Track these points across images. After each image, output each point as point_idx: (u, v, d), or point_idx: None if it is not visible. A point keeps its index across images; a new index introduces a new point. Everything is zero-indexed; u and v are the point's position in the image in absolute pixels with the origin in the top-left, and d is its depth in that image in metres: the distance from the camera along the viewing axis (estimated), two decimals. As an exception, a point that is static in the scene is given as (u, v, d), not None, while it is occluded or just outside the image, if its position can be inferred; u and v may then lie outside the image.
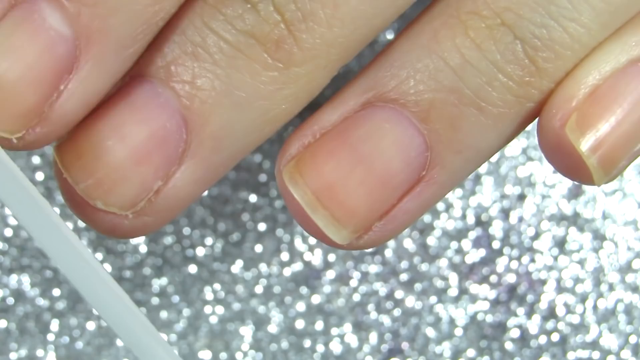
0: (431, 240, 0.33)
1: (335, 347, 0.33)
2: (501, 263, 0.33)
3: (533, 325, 0.33)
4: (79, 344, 0.32)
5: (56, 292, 0.32)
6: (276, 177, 0.20)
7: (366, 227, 0.20)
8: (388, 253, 0.33)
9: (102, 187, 0.18)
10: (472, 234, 0.33)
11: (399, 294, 0.33)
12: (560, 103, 0.19)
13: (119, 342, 0.32)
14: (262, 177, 0.33)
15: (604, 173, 0.19)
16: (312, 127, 0.20)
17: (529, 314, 0.33)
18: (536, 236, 0.33)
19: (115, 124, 0.18)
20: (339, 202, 0.19)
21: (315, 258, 0.33)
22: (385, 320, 0.33)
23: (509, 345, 0.33)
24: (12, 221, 0.32)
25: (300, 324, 0.33)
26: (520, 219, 0.33)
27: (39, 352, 0.32)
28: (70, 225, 0.32)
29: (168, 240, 0.33)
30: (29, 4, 0.17)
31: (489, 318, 0.33)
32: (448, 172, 0.20)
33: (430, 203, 0.20)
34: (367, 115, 0.19)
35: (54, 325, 0.32)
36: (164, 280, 0.33)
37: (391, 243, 0.33)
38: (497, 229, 0.33)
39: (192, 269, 0.33)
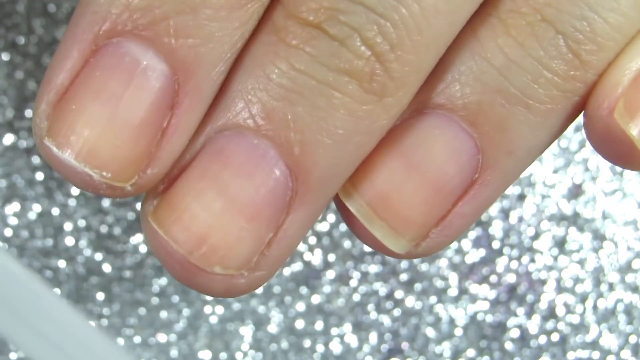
0: (431, 240, 0.33)
1: (335, 347, 0.33)
2: (501, 263, 0.33)
3: (533, 325, 0.33)
4: (79, 344, 0.32)
5: (56, 292, 0.32)
6: None
7: (424, 235, 0.20)
8: (385, 255, 0.33)
9: (219, 252, 0.18)
10: (472, 234, 0.33)
11: (398, 294, 0.33)
12: (606, 91, 0.19)
13: (119, 342, 0.32)
14: (262, 177, 0.33)
15: None
16: None
17: (528, 314, 0.33)
18: (536, 236, 0.33)
19: (218, 186, 0.18)
20: (395, 212, 0.19)
21: (315, 258, 0.33)
22: (385, 320, 0.33)
23: (509, 345, 0.33)
24: (12, 221, 0.32)
25: (300, 324, 0.33)
26: (520, 219, 0.33)
27: (39, 352, 0.32)
28: (69, 225, 0.32)
29: (168, 240, 0.33)
30: (115, 47, 0.17)
31: (489, 318, 0.33)
32: (501, 173, 0.19)
33: (485, 205, 0.20)
34: (416, 122, 0.19)
35: (54, 325, 0.32)
36: (164, 280, 0.33)
37: (391, 243, 0.33)
38: (497, 229, 0.33)
39: (192, 269, 0.33)
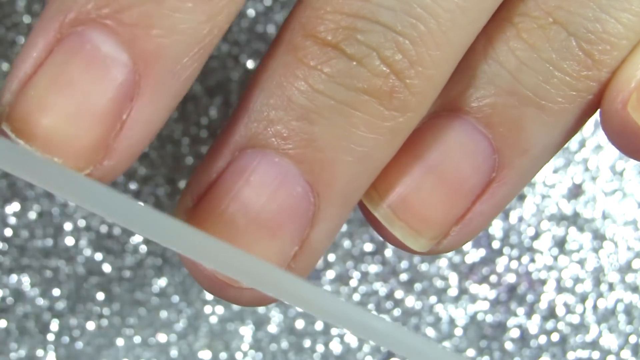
0: (431, 240, 0.33)
1: (335, 347, 0.33)
2: (501, 263, 0.33)
3: (533, 325, 0.33)
4: (79, 344, 0.32)
5: (56, 292, 0.32)
6: None
7: (444, 233, 0.20)
8: (388, 253, 0.33)
9: None
10: (472, 234, 0.33)
11: (399, 294, 0.33)
12: (619, 86, 0.19)
13: (119, 342, 0.32)
14: (262, 177, 0.33)
15: None
16: None
17: (528, 314, 0.33)
18: (536, 236, 0.33)
19: (240, 204, 0.18)
20: (414, 213, 0.20)
21: (315, 258, 0.33)
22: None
23: (509, 345, 0.33)
24: (12, 221, 0.32)
25: (300, 324, 0.33)
26: (520, 219, 0.33)
27: (39, 352, 0.32)
28: (69, 225, 0.32)
29: (168, 240, 0.33)
30: (77, 36, 0.17)
31: (489, 318, 0.33)
32: (517, 172, 0.20)
33: (504, 203, 0.20)
34: (433, 125, 0.20)
35: (54, 325, 0.32)
36: (164, 280, 0.33)
37: (391, 243, 0.33)
38: (497, 228, 0.33)
39: (192, 269, 0.33)
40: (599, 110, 0.19)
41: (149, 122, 0.17)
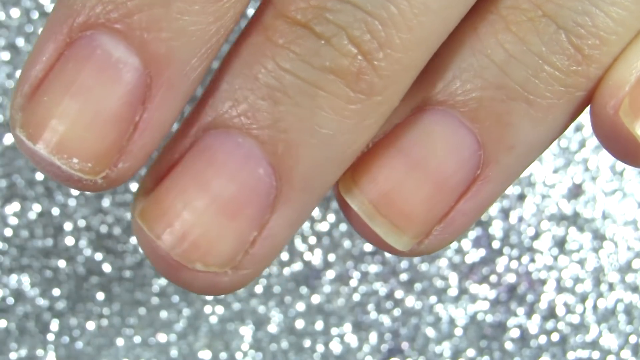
0: (431, 240, 0.33)
1: (335, 347, 0.33)
2: (501, 263, 0.33)
3: (533, 325, 0.33)
4: (79, 344, 0.32)
5: (56, 292, 0.32)
6: (333, 190, 0.20)
7: (426, 232, 0.20)
8: (388, 253, 0.33)
9: (200, 249, 0.18)
10: (472, 234, 0.33)
11: (398, 293, 0.33)
12: (612, 89, 0.19)
13: (119, 342, 0.32)
14: (262, 177, 0.33)
15: None
16: None
17: (528, 314, 0.33)
18: (536, 236, 0.33)
19: (201, 183, 0.18)
20: (397, 209, 0.19)
21: (315, 258, 0.33)
22: (385, 320, 0.33)
23: (509, 345, 0.33)
24: (12, 221, 0.32)
25: (300, 324, 0.33)
26: (520, 219, 0.33)
27: (39, 352, 0.32)
28: (69, 225, 0.32)
29: (168, 240, 0.33)
30: (87, 40, 0.17)
31: (489, 318, 0.33)
32: (502, 169, 0.20)
33: (488, 202, 0.20)
34: (417, 119, 0.19)
35: (54, 325, 0.32)
36: (163, 280, 0.33)
37: (391, 243, 0.33)
38: (497, 228, 0.33)
39: (192, 269, 0.33)
40: (590, 112, 0.19)
41: (160, 123, 0.18)
